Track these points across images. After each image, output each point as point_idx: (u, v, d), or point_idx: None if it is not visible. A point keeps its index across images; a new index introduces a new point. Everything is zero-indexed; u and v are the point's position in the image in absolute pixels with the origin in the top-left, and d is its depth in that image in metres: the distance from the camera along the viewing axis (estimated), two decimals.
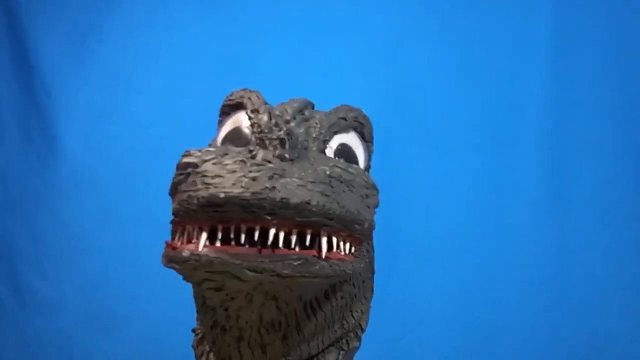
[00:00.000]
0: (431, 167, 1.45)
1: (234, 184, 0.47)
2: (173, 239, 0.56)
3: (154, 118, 1.56)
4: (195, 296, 0.65)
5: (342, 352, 0.66)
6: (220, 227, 0.48)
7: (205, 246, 0.48)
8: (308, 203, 0.48)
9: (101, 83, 1.60)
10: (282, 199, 0.47)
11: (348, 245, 0.55)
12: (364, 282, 0.69)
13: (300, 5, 1.56)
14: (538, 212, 1.42)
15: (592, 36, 1.46)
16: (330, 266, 0.52)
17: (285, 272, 0.48)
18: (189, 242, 0.50)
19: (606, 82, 1.44)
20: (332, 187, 0.52)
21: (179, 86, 1.57)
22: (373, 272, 0.74)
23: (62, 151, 1.58)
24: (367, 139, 0.69)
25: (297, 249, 0.49)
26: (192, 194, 0.49)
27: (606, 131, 1.43)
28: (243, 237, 0.48)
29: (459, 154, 1.46)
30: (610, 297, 1.37)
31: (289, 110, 0.60)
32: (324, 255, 0.51)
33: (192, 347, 0.70)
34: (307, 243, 0.50)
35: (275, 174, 0.48)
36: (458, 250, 1.41)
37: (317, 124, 0.63)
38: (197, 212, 0.49)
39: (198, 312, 0.66)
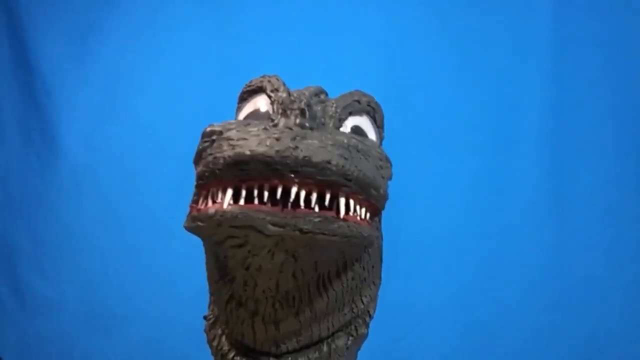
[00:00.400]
0: (431, 167, 1.45)
1: (258, 144, 0.49)
2: (197, 203, 0.57)
3: (154, 118, 1.56)
4: (211, 274, 0.66)
5: (350, 338, 0.68)
6: (243, 187, 0.50)
7: (229, 204, 0.50)
8: (329, 162, 0.51)
9: (101, 83, 1.61)
10: (305, 156, 0.50)
11: (364, 210, 0.58)
12: (372, 266, 0.70)
13: (300, 5, 1.56)
14: (538, 212, 1.42)
15: (592, 36, 1.46)
16: (348, 226, 0.54)
17: (306, 227, 0.51)
18: (213, 202, 0.52)
19: (606, 82, 1.44)
20: (349, 152, 0.54)
21: (179, 86, 1.57)
22: (381, 259, 0.75)
23: (62, 151, 1.58)
24: (378, 125, 0.73)
25: (317, 209, 0.52)
26: (217, 154, 0.51)
27: (606, 131, 1.43)
28: (266, 195, 0.50)
29: (459, 154, 1.46)
30: (610, 297, 1.37)
31: (306, 92, 0.63)
32: (342, 215, 0.53)
33: (204, 331, 0.71)
34: (326, 203, 0.52)
35: (297, 136, 0.51)
36: (458, 250, 1.41)
37: (332, 104, 0.66)
38: (223, 171, 0.51)
39: (212, 292, 0.68)
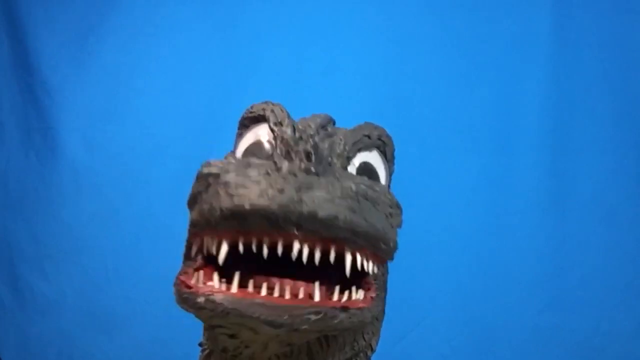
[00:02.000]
0: (431, 168, 1.45)
1: (259, 195, 0.45)
2: (187, 255, 0.54)
3: (154, 118, 1.56)
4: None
5: None
6: (241, 240, 0.47)
7: (220, 290, 0.46)
8: (336, 217, 0.47)
9: (101, 83, 1.61)
10: (309, 211, 0.45)
11: (371, 263, 0.54)
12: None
13: (300, 6, 1.56)
14: (538, 212, 1.41)
15: (592, 36, 1.46)
16: (350, 317, 0.50)
17: (303, 327, 0.46)
18: (205, 278, 0.48)
19: (606, 82, 1.44)
20: (358, 202, 0.50)
21: (179, 86, 1.57)
22: (385, 292, 0.73)
23: (62, 151, 1.58)
24: (388, 159, 0.69)
25: (317, 295, 0.48)
26: (214, 204, 0.47)
27: (606, 131, 1.43)
28: (265, 252, 0.46)
29: (459, 154, 1.45)
30: (610, 297, 1.36)
31: (312, 125, 0.56)
32: (347, 270, 0.49)
33: None
34: (332, 260, 0.48)
35: (302, 186, 0.46)
36: (458, 250, 1.41)
37: (340, 139, 0.61)
38: (219, 223, 0.47)
39: (206, 331, 0.65)
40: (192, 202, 0.53)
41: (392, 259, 0.63)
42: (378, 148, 0.67)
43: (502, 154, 1.45)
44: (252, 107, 0.66)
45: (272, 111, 0.62)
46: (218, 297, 0.45)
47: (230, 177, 0.47)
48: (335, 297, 0.49)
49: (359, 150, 0.63)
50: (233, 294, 0.46)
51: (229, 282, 0.47)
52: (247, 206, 0.45)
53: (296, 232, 0.46)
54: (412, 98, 1.49)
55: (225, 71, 1.53)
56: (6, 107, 1.63)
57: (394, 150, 0.70)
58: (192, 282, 0.48)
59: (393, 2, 1.53)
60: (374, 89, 1.48)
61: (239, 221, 0.46)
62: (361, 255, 0.51)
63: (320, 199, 0.46)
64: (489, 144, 1.46)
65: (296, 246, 0.46)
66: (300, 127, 0.53)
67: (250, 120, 0.65)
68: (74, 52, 1.62)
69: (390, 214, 0.59)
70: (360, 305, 0.52)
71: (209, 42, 1.58)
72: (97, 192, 1.55)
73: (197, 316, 0.49)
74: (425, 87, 1.49)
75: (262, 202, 0.44)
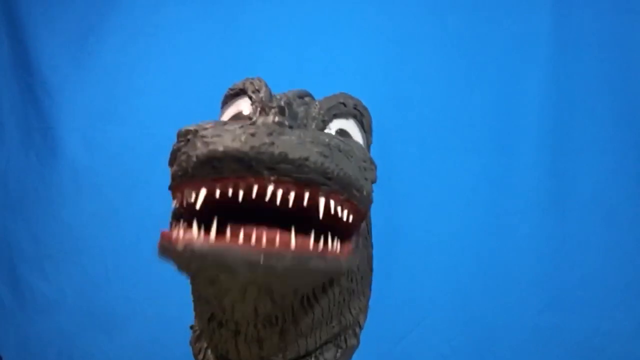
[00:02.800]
0: (431, 167, 1.45)
1: (232, 140, 0.47)
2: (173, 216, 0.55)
3: (154, 118, 1.56)
4: (192, 290, 0.64)
5: (339, 350, 0.65)
6: (218, 187, 0.48)
7: (199, 238, 0.47)
8: (306, 159, 0.48)
9: (101, 83, 1.61)
10: (281, 152, 0.47)
11: (346, 211, 0.54)
12: (362, 277, 0.68)
13: (300, 5, 1.56)
14: (538, 212, 1.41)
15: (592, 36, 1.46)
16: (325, 261, 0.51)
17: (280, 267, 0.47)
18: (186, 227, 0.50)
19: (606, 82, 1.44)
20: (330, 150, 0.51)
21: (179, 86, 1.57)
22: (371, 270, 0.73)
23: (62, 151, 1.58)
24: (365, 129, 0.69)
25: (293, 243, 0.48)
26: (190, 152, 0.49)
27: (606, 131, 1.43)
28: (241, 196, 0.47)
29: (459, 154, 1.45)
30: (610, 297, 1.36)
31: (289, 94, 0.60)
32: (320, 213, 0.50)
33: (190, 343, 0.70)
34: (305, 203, 0.49)
35: (274, 132, 0.48)
36: (458, 250, 1.41)
37: (316, 105, 0.63)
38: (195, 170, 0.49)
39: (195, 307, 0.66)
40: (173, 158, 0.55)
41: (367, 210, 0.63)
42: (355, 117, 0.67)
43: (502, 154, 1.45)
44: (233, 85, 0.69)
45: (252, 83, 0.65)
46: (197, 245, 0.47)
47: (207, 131, 0.49)
48: (311, 244, 0.50)
49: (335, 116, 0.65)
50: (211, 241, 0.47)
51: (209, 233, 0.48)
52: (220, 148, 0.47)
53: (268, 174, 0.47)
54: (412, 98, 1.49)
55: (225, 71, 1.53)
56: (6, 107, 1.63)
57: (371, 121, 0.71)
58: (174, 234, 0.49)
59: (393, 2, 1.53)
60: (374, 89, 1.48)
61: (213, 166, 0.47)
62: (335, 202, 0.52)
63: (292, 142, 0.48)
64: (489, 144, 1.46)
65: (270, 189, 0.47)
66: (277, 95, 0.56)
67: (231, 97, 0.68)
68: (74, 52, 1.62)
69: (364, 168, 0.59)
70: (337, 254, 0.53)
71: (209, 42, 1.58)
72: (97, 192, 1.55)
73: (176, 264, 0.50)
74: (425, 87, 1.49)
75: (235, 144, 0.46)
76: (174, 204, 0.54)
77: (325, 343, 0.64)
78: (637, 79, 1.43)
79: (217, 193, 0.48)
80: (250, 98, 0.63)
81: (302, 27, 1.55)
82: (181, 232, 0.49)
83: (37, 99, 1.61)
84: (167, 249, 0.49)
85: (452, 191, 1.44)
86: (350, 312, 0.67)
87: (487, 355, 1.37)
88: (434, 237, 1.42)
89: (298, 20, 1.56)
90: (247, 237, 0.47)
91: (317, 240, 0.51)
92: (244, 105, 0.65)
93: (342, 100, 0.66)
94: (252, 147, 0.46)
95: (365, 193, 0.57)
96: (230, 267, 0.47)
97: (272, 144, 0.47)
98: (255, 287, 0.53)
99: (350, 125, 0.67)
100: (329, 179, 0.50)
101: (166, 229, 0.54)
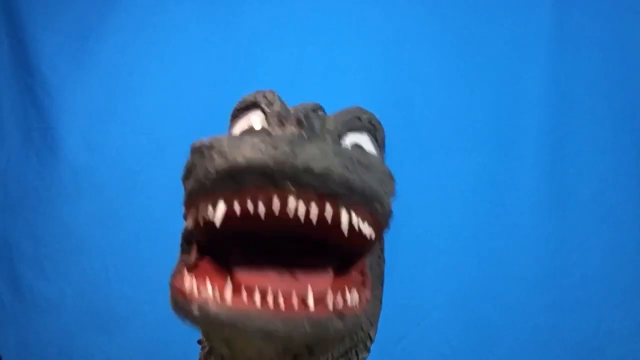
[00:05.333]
0: (431, 167, 1.45)
1: (253, 151, 0.45)
2: (183, 246, 0.54)
3: (154, 118, 1.56)
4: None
5: None
6: (236, 201, 0.46)
7: (215, 300, 0.45)
8: (330, 170, 0.46)
9: (101, 83, 1.61)
10: (304, 164, 0.45)
11: (367, 224, 0.52)
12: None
13: (300, 6, 1.56)
14: (538, 211, 1.42)
15: (592, 36, 1.46)
16: (344, 324, 0.48)
17: (298, 337, 0.45)
18: (198, 281, 0.47)
19: (606, 82, 1.44)
20: (352, 162, 0.49)
21: (179, 86, 1.57)
22: (382, 283, 0.72)
23: (62, 151, 1.58)
24: (379, 144, 0.68)
25: (311, 303, 0.46)
26: (209, 167, 0.46)
27: (606, 131, 1.43)
28: (262, 211, 0.45)
29: (459, 153, 1.46)
30: (610, 297, 1.37)
31: (303, 107, 0.58)
32: (344, 228, 0.48)
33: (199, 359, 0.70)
34: (329, 216, 0.47)
35: (296, 143, 0.46)
36: (458, 250, 1.41)
37: (331, 119, 0.62)
38: (215, 185, 0.47)
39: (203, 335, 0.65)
40: (187, 173, 0.53)
41: (387, 225, 0.62)
42: (369, 132, 0.66)
43: (502, 154, 1.45)
44: (243, 98, 0.66)
45: (264, 96, 0.62)
46: (212, 309, 0.45)
47: (224, 144, 0.47)
48: (329, 302, 0.48)
49: (350, 130, 0.63)
50: (227, 306, 0.45)
51: (224, 269, 0.47)
52: (241, 161, 0.44)
53: (291, 187, 0.45)
54: (412, 98, 1.49)
55: (225, 71, 1.53)
56: (6, 107, 1.63)
57: (384, 136, 0.69)
58: (186, 287, 0.48)
59: (393, 2, 1.54)
60: (374, 89, 1.48)
61: (234, 179, 0.45)
62: (357, 215, 0.50)
63: (315, 154, 0.46)
64: (490, 144, 1.46)
65: (292, 202, 0.45)
66: (291, 108, 0.54)
67: (242, 111, 0.65)
68: (74, 52, 1.62)
69: (384, 180, 0.57)
70: (356, 310, 0.51)
71: (209, 42, 1.58)
72: (97, 192, 1.55)
73: (191, 325, 0.49)
74: (425, 87, 1.49)
75: (257, 156, 0.44)
76: (186, 223, 0.51)
77: (337, 358, 0.63)
78: (637, 79, 1.43)
79: (237, 208, 0.46)
80: (264, 111, 0.61)
81: (302, 27, 1.55)
82: (194, 287, 0.47)
83: (37, 99, 1.61)
84: (181, 308, 0.48)
85: (453, 191, 1.44)
86: (362, 329, 0.66)
87: (487, 355, 1.37)
88: (434, 237, 1.42)
89: (298, 20, 1.56)
90: (264, 297, 0.45)
91: (336, 278, 0.49)
92: (255, 119, 0.63)
93: (357, 115, 0.64)
94: (274, 159, 0.44)
95: (386, 207, 0.56)
96: (248, 337, 0.46)
97: (295, 155, 0.45)
98: (273, 348, 0.51)
99: (364, 140, 0.65)
100: (352, 191, 0.48)
101: (176, 276, 0.52)
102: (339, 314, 0.48)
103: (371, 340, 0.70)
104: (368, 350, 0.69)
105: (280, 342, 0.46)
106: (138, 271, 1.45)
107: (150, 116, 1.57)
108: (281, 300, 0.45)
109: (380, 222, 0.56)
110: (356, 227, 0.50)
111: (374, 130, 0.67)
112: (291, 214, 0.45)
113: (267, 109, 0.60)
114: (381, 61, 1.51)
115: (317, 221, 0.47)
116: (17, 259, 1.56)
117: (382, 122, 0.69)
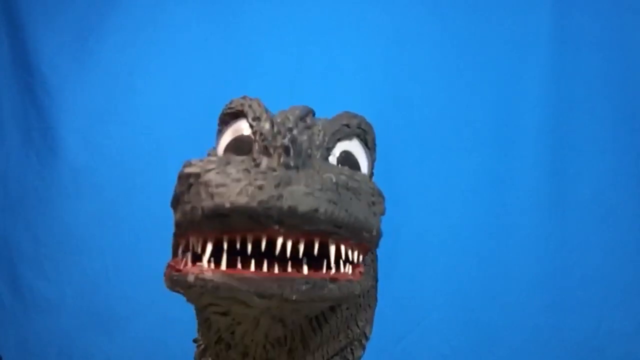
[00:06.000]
0: (431, 167, 1.45)
1: (239, 193, 0.45)
2: (175, 253, 0.55)
3: (154, 118, 1.56)
4: (197, 312, 0.64)
5: None
6: (225, 238, 0.47)
7: (210, 268, 0.47)
8: (316, 211, 0.47)
9: (101, 83, 1.61)
10: (290, 207, 0.46)
11: (356, 253, 0.54)
12: (368, 291, 0.68)
13: (300, 6, 1.56)
14: (538, 212, 1.42)
15: (592, 36, 1.46)
16: (339, 288, 0.51)
17: (294, 297, 0.47)
18: (193, 261, 0.49)
19: (606, 82, 1.44)
20: (339, 194, 0.50)
21: (178, 86, 1.57)
22: (376, 280, 0.73)
23: (62, 151, 1.58)
24: (369, 146, 0.68)
25: (305, 270, 0.48)
26: (195, 204, 0.48)
27: (606, 131, 1.43)
28: (249, 248, 0.47)
29: (459, 154, 1.46)
30: (610, 297, 1.37)
31: (291, 118, 0.57)
32: (332, 265, 0.50)
33: (194, 358, 0.70)
34: (315, 252, 0.49)
35: (281, 181, 0.47)
36: (458, 250, 1.41)
37: (319, 130, 0.62)
38: (201, 223, 0.47)
39: (200, 325, 0.65)
40: (175, 202, 0.54)
41: (376, 246, 0.63)
42: (358, 136, 0.66)
43: (502, 154, 1.45)
44: (231, 103, 0.66)
45: (250, 106, 0.62)
46: (207, 275, 0.46)
47: (211, 176, 0.47)
48: (324, 270, 0.50)
49: (339, 140, 0.63)
50: (223, 271, 0.46)
51: (217, 265, 0.47)
52: (227, 205, 0.45)
53: (278, 228, 0.46)
54: (412, 98, 1.49)
55: (225, 71, 1.53)
56: (6, 107, 1.63)
57: (374, 137, 0.70)
58: (181, 265, 0.49)
59: (393, 2, 1.54)
60: (374, 89, 1.48)
61: (221, 220, 0.46)
62: (345, 246, 0.51)
63: (300, 194, 0.47)
64: (489, 144, 1.46)
65: (279, 241, 0.46)
66: (278, 120, 0.54)
67: (230, 116, 0.65)
68: (74, 52, 1.62)
69: (373, 202, 0.58)
70: (350, 277, 0.53)
71: (209, 42, 1.58)
72: (97, 192, 1.55)
73: (187, 297, 0.50)
74: (425, 87, 1.49)
75: (242, 200, 0.45)
76: (180, 250, 0.52)
77: (333, 356, 0.64)
78: (637, 79, 1.43)
79: (224, 258, 0.47)
80: (251, 126, 0.61)
81: (302, 27, 1.55)
82: (190, 263, 0.48)
83: (37, 99, 1.61)
84: (176, 281, 0.48)
85: (452, 191, 1.44)
86: (357, 325, 0.67)
87: (487, 355, 1.37)
88: (434, 237, 1.42)
89: (298, 21, 1.56)
90: (258, 265, 0.47)
91: (328, 268, 0.51)
92: (242, 127, 0.63)
93: (345, 122, 0.65)
94: (260, 202, 0.45)
95: (374, 232, 0.57)
96: (244, 299, 0.46)
97: (280, 197, 0.46)
98: (269, 317, 0.52)
99: (353, 146, 0.65)
100: (339, 227, 0.50)
101: (172, 260, 0.53)
102: (333, 278, 0.50)
103: (367, 338, 0.71)
104: (364, 348, 0.70)
105: (275, 300, 0.46)
106: (138, 271, 1.45)
107: (150, 116, 1.57)
108: (276, 266, 0.47)
109: (368, 247, 0.58)
110: (343, 257, 0.51)
111: (364, 134, 0.67)
112: (278, 251, 0.47)
113: (254, 125, 0.60)
114: (381, 61, 1.51)
115: (305, 256, 0.48)
116: (17, 259, 1.56)
117: (370, 119, 0.69)
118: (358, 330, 0.67)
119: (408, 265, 1.40)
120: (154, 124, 1.56)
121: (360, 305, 0.67)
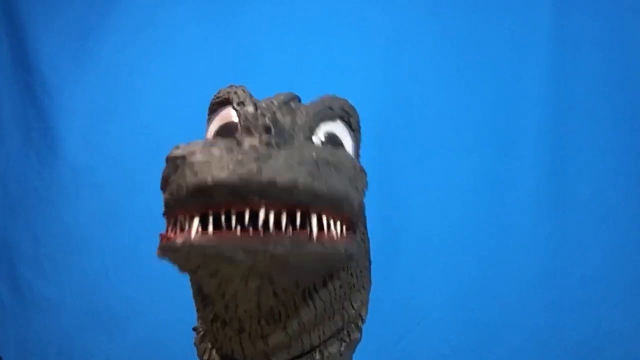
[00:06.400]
0: (431, 167, 1.45)
1: (220, 169, 0.47)
2: (167, 231, 0.56)
3: (154, 118, 1.56)
4: (195, 293, 0.65)
5: (343, 344, 0.66)
6: (210, 213, 0.49)
7: (197, 233, 0.48)
8: (295, 182, 0.48)
9: (101, 83, 1.61)
10: (269, 179, 0.47)
11: (339, 224, 0.55)
12: (361, 271, 0.69)
13: (300, 6, 1.56)
14: (538, 212, 1.42)
15: (592, 36, 1.46)
16: (323, 246, 0.52)
17: (278, 251, 0.48)
18: (182, 231, 0.50)
19: (606, 82, 1.44)
20: (318, 168, 0.52)
21: (178, 86, 1.57)
22: (370, 262, 0.74)
23: (62, 151, 1.58)
24: (354, 128, 0.69)
25: (290, 230, 0.49)
26: (181, 182, 0.50)
27: (606, 131, 1.43)
28: (234, 220, 0.48)
29: (459, 154, 1.46)
30: (610, 297, 1.37)
31: (275, 102, 0.60)
32: (314, 233, 0.51)
33: (194, 344, 0.70)
34: (298, 223, 0.50)
35: (261, 157, 0.48)
36: (458, 250, 1.41)
37: (302, 112, 0.63)
38: (187, 200, 0.49)
39: (198, 309, 0.67)
40: (164, 185, 0.55)
41: (359, 219, 0.63)
42: (342, 118, 0.68)
43: (502, 154, 1.45)
44: (218, 93, 0.69)
45: (236, 93, 0.65)
46: (195, 239, 0.48)
47: (196, 158, 0.49)
48: (308, 231, 0.51)
49: (322, 120, 0.65)
50: (209, 235, 0.48)
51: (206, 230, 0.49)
52: (209, 181, 0.47)
53: (259, 201, 0.47)
54: (412, 98, 1.49)
55: (225, 71, 1.53)
56: (6, 107, 1.63)
57: (359, 119, 0.71)
58: (171, 234, 0.51)
59: (393, 2, 1.54)
60: (374, 89, 1.48)
61: (204, 196, 0.48)
62: (327, 216, 0.52)
63: (279, 167, 0.48)
64: (489, 144, 1.46)
65: (262, 213, 0.48)
66: (263, 105, 0.56)
67: (218, 105, 0.68)
68: (74, 52, 1.62)
69: (355, 177, 0.59)
70: (336, 239, 0.53)
71: (209, 42, 1.58)
72: (97, 192, 1.55)
73: (178, 262, 0.51)
74: (425, 87, 1.49)
75: (223, 174, 0.47)
76: (170, 228, 0.53)
77: (330, 338, 0.65)
78: (637, 79, 1.43)
79: (211, 220, 0.48)
80: (236, 111, 0.63)
81: (302, 27, 1.55)
82: (178, 231, 0.50)
83: (37, 99, 1.62)
84: (166, 248, 0.50)
85: (452, 191, 1.44)
86: (352, 306, 0.68)
87: (487, 355, 1.37)
88: (434, 237, 1.42)
89: (298, 21, 1.56)
90: (245, 229, 0.48)
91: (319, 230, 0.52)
92: (231, 114, 0.66)
93: (328, 104, 0.66)
94: (240, 177, 0.47)
95: (356, 204, 0.58)
96: (230, 256, 0.48)
97: (260, 170, 0.47)
98: (257, 276, 0.53)
99: (338, 127, 0.67)
100: (319, 198, 0.51)
101: (164, 232, 0.55)
102: (319, 238, 0.51)
103: (363, 320, 0.71)
104: (360, 330, 0.70)
105: (260, 255, 0.48)
106: (138, 271, 1.45)
107: (150, 116, 1.57)
108: (261, 229, 0.48)
109: (350, 219, 0.58)
110: (326, 229, 0.52)
111: (348, 117, 0.68)
112: (262, 222, 0.48)
113: (239, 109, 0.62)
114: (381, 61, 1.51)
115: (290, 225, 0.49)
116: (17, 259, 1.56)
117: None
118: (354, 312, 0.68)
119: (408, 265, 1.40)
120: (154, 124, 1.56)
121: (354, 286, 0.67)
